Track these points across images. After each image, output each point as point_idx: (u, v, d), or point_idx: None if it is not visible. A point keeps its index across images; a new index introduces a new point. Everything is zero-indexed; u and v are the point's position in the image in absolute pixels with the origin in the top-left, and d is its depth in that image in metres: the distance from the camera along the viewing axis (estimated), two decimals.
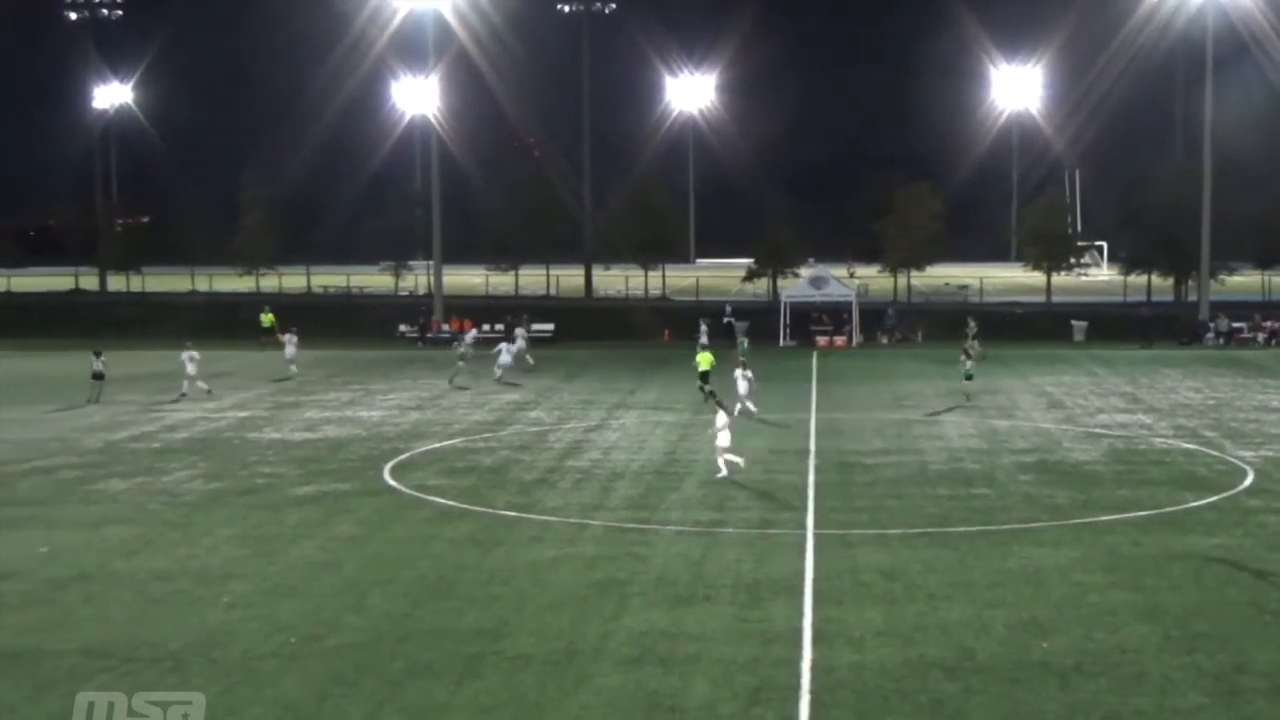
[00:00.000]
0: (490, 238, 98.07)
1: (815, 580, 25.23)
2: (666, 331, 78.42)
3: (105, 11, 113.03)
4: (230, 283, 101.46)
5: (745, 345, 60.86)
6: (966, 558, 26.99)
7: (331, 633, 22.34)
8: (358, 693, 19.60)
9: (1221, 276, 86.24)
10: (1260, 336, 75.93)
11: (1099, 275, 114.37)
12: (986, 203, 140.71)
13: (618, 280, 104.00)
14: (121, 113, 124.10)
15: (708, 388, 47.67)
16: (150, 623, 22.95)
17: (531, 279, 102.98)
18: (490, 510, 31.88)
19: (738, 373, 46.69)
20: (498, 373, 57.39)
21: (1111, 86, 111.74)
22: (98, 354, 51.71)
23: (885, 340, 77.81)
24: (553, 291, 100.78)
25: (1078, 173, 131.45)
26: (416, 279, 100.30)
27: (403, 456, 39.50)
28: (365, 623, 22.88)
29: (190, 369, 52.80)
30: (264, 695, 19.51)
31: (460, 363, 57.29)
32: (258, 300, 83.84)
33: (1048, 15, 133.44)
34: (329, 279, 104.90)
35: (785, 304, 78.70)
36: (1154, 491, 33.75)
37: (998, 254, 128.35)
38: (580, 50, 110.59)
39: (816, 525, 29.90)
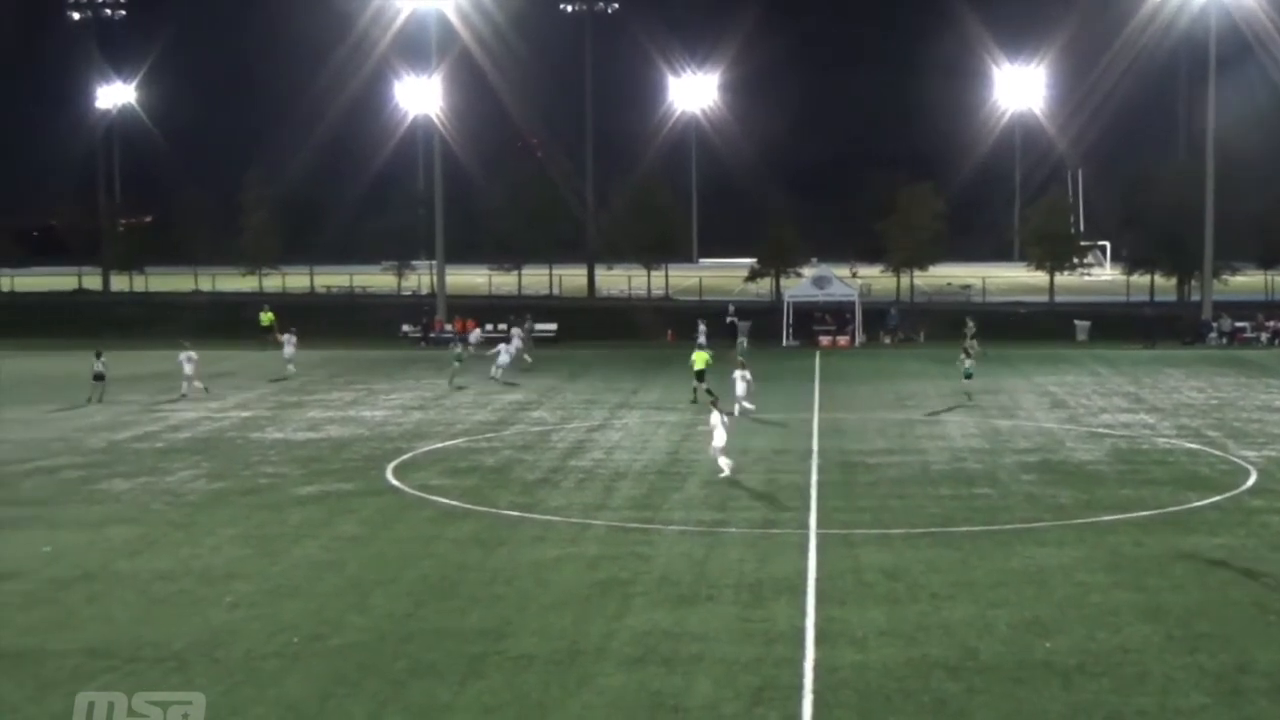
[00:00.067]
0: (493, 237, 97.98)
1: (818, 580, 25.24)
2: (669, 331, 78.39)
3: (108, 11, 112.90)
4: (233, 283, 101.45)
5: (744, 346, 60.91)
6: (969, 557, 26.99)
7: (334, 632, 22.36)
8: (360, 692, 19.61)
9: (1224, 276, 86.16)
10: (1263, 336, 75.90)
11: (1102, 275, 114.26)
12: (989, 202, 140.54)
13: (620, 280, 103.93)
14: (125, 112, 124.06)
15: (703, 386, 47.96)
16: (153, 622, 22.97)
17: (534, 279, 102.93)
18: (493, 510, 31.89)
19: (737, 373, 46.74)
20: (496, 373, 57.33)
21: (1114, 86, 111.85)
22: (98, 354, 51.76)
23: (888, 340, 77.78)
24: (555, 291, 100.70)
25: (1080, 172, 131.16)
26: (419, 279, 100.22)
27: (405, 456, 39.53)
28: (368, 622, 22.89)
29: (188, 369, 52.87)
30: (267, 695, 19.53)
31: (456, 363, 57.33)
32: (261, 300, 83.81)
33: (1051, 15, 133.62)
34: (332, 279, 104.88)
35: (788, 304, 78.72)
36: (1157, 491, 33.74)
37: (1000, 254, 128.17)
38: (583, 50, 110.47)
39: (819, 525, 29.91)
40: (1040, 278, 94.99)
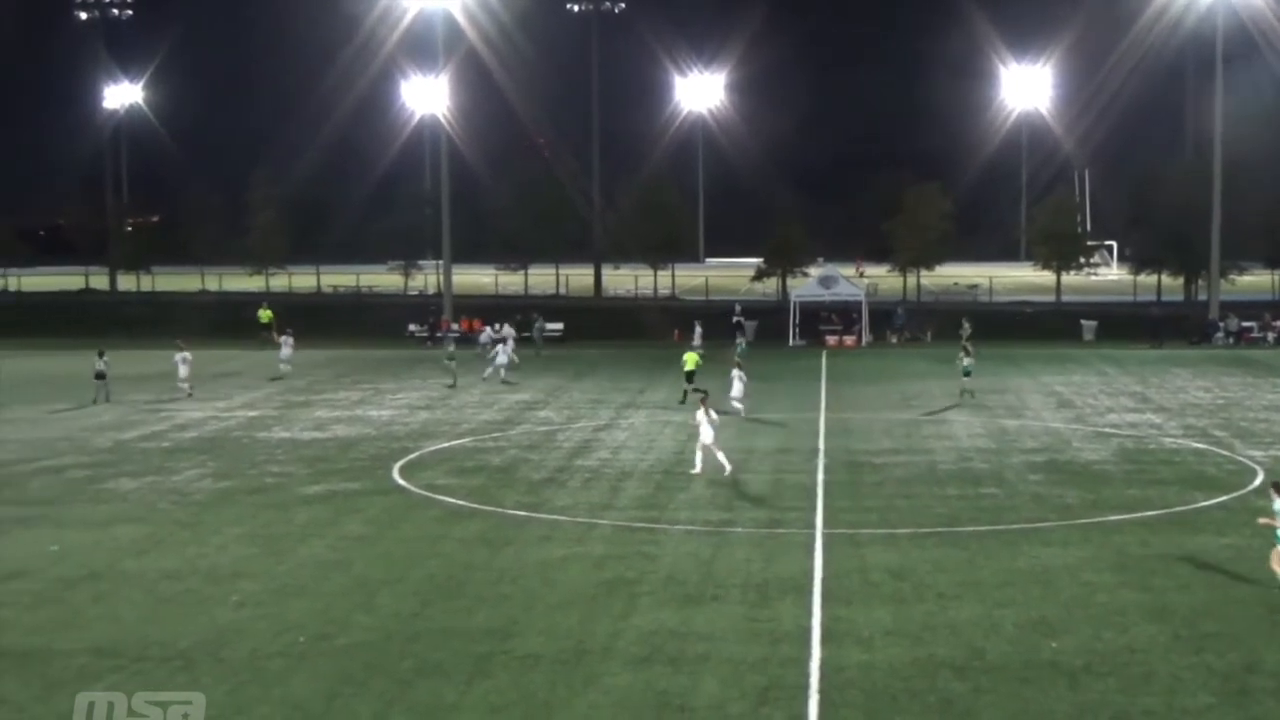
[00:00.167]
0: (500, 237, 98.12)
1: (824, 580, 25.23)
2: (676, 331, 78.34)
3: (115, 11, 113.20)
4: (240, 282, 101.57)
5: (743, 346, 60.84)
6: (976, 557, 26.98)
7: (340, 632, 22.37)
8: (367, 692, 19.62)
9: (1231, 276, 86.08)
10: (1270, 336, 75.74)
11: (1109, 275, 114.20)
12: (996, 202, 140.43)
13: (627, 280, 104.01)
14: (132, 112, 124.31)
15: (690, 386, 48.21)
16: (159, 622, 22.99)
17: (541, 278, 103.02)
18: (499, 509, 31.90)
19: (734, 373, 46.78)
20: (500, 373, 57.25)
21: (1121, 86, 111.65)
22: (101, 354, 51.80)
23: (894, 340, 77.76)
24: (562, 291, 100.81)
25: (1087, 172, 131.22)
26: (426, 278, 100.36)
27: (412, 456, 39.55)
28: (374, 622, 22.90)
29: (183, 370, 52.86)
30: (272, 694, 19.54)
31: (449, 362, 57.41)
32: (268, 300, 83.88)
33: (1057, 14, 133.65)
34: (338, 278, 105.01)
35: (794, 303, 78.66)
36: (1163, 491, 33.71)
37: (1007, 253, 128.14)
38: (590, 50, 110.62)
39: (825, 525, 29.90)
40: (1047, 277, 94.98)
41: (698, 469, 35.81)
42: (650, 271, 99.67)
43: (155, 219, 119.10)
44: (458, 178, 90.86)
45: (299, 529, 30.03)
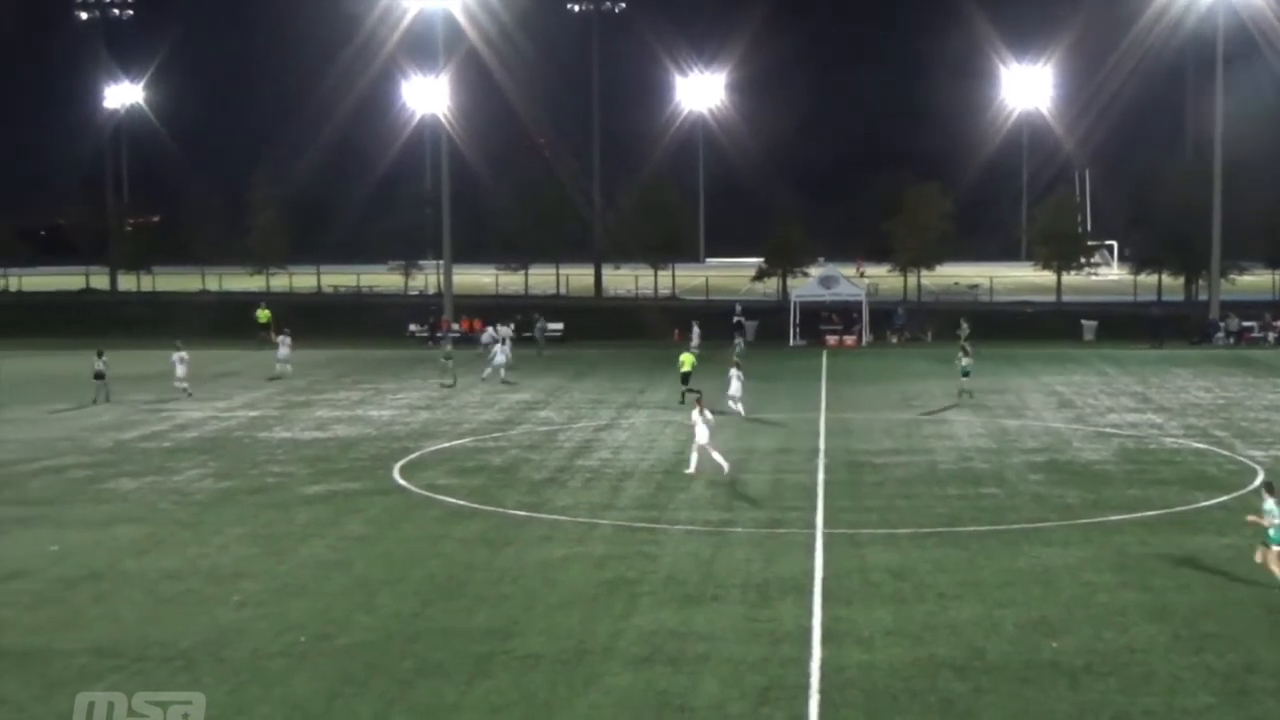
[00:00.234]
0: (500, 237, 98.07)
1: (825, 580, 25.25)
2: (676, 331, 78.33)
3: (116, 11, 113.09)
4: (241, 282, 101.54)
5: (741, 346, 60.85)
6: (976, 557, 26.99)
7: (341, 632, 22.38)
8: (367, 692, 19.63)
9: (1232, 276, 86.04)
10: (1271, 336, 75.72)
11: (1109, 274, 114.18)
12: (996, 202, 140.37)
13: (627, 280, 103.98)
14: (132, 112, 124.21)
15: (685, 388, 48.34)
16: (160, 622, 23.00)
17: (541, 278, 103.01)
18: (500, 509, 31.91)
19: (732, 372, 46.86)
20: (500, 373, 57.27)
21: (1122, 86, 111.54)
22: (99, 354, 51.79)
23: (895, 340, 77.76)
24: (562, 291, 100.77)
25: (1088, 172, 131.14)
26: (426, 278, 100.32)
27: (412, 456, 39.56)
28: (375, 622, 22.92)
29: (180, 370, 52.84)
30: (273, 694, 19.55)
31: (446, 361, 57.43)
32: (269, 300, 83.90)
33: (1058, 14, 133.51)
34: (339, 278, 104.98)
35: (795, 303, 78.66)
36: (1164, 491, 33.72)
37: (1008, 253, 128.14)
38: (590, 49, 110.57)
39: (826, 525, 29.91)
40: (1047, 277, 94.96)
41: (692, 469, 35.83)
42: (650, 271, 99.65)
43: (156, 219, 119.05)
44: (458, 178, 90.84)
45: (300, 529, 30.04)
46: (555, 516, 31.16)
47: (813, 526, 29.76)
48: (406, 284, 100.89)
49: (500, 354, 58.14)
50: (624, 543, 28.46)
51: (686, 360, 51.17)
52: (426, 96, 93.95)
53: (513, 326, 68.54)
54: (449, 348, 60.05)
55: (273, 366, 59.94)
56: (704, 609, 23.51)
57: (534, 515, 31.29)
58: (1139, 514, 31.01)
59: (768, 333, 77.66)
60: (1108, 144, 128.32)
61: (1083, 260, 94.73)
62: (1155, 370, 61.36)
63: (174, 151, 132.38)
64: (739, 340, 64.53)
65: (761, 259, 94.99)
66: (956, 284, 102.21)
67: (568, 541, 28.59)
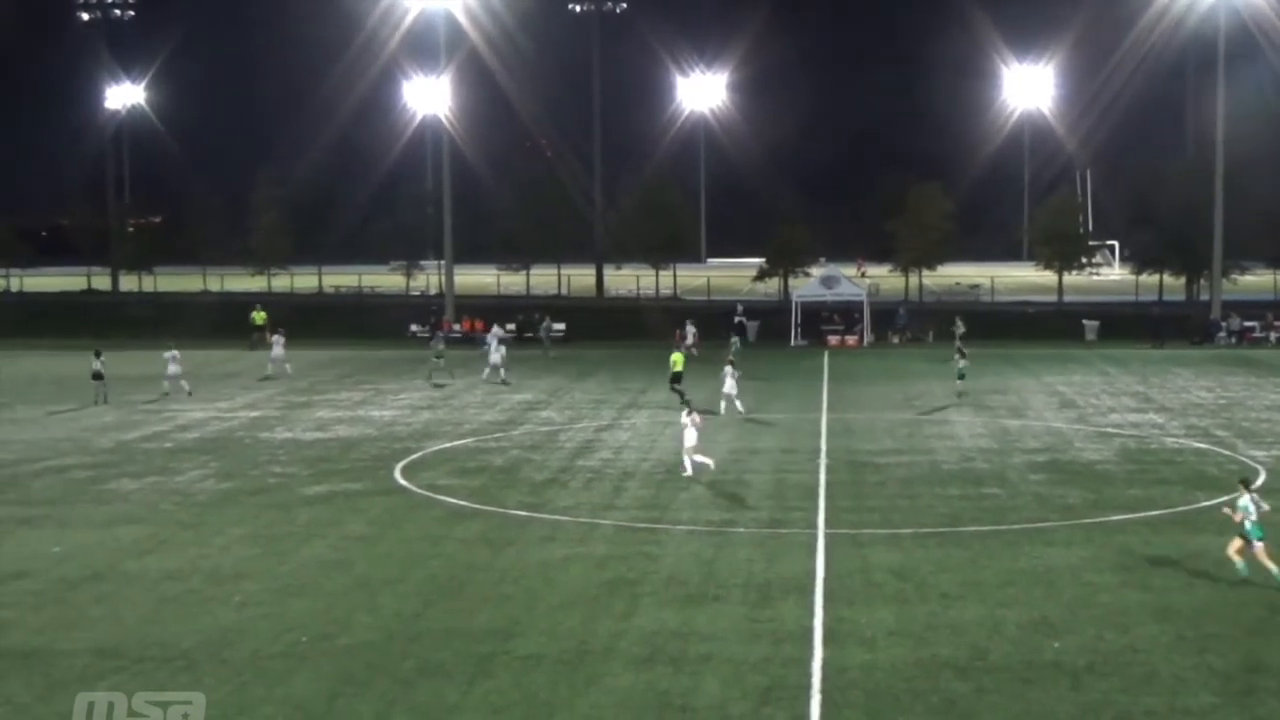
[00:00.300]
0: (501, 237, 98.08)
1: (826, 580, 25.24)
2: (677, 331, 78.29)
3: (118, 12, 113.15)
4: (242, 283, 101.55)
5: (737, 346, 60.82)
6: (978, 557, 26.98)
7: (342, 632, 22.38)
8: (369, 692, 19.63)
9: (1233, 276, 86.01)
10: (1272, 336, 75.68)
11: (1111, 275, 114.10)
12: (998, 202, 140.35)
13: (629, 280, 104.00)
14: (134, 113, 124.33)
15: (675, 387, 48.44)
16: (162, 622, 23.01)
17: (543, 279, 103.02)
18: (501, 510, 31.91)
19: (726, 370, 46.87)
20: (500, 373, 57.27)
21: (1123, 86, 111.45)
22: (97, 354, 51.76)
23: (896, 340, 77.73)
24: (564, 291, 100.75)
25: (1089, 172, 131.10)
26: (428, 279, 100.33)
27: (414, 456, 39.55)
28: (376, 622, 22.92)
29: (171, 369, 52.81)
30: (275, 694, 19.55)
31: (437, 360, 57.36)
32: (270, 300, 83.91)
33: (1059, 14, 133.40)
34: (341, 279, 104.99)
35: (797, 303, 78.65)
36: (1166, 491, 33.71)
37: (1009, 253, 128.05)
38: (591, 50, 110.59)
39: (828, 525, 29.90)
40: (1049, 277, 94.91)
41: (689, 472, 35.76)
42: (652, 272, 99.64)
43: (157, 219, 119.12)
44: (459, 178, 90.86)
45: (301, 529, 30.05)
46: (556, 517, 31.15)
47: (814, 527, 29.76)
48: (408, 284, 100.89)
49: (494, 353, 58.15)
50: (625, 543, 28.45)
51: (677, 360, 51.07)
52: (428, 97, 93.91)
53: (513, 327, 68.38)
54: (440, 347, 59.98)
55: (268, 368, 59.88)
56: (705, 609, 23.50)
57: (535, 515, 31.28)
58: (1141, 514, 31.00)
59: (769, 333, 77.67)
60: (1109, 144, 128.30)
61: (1084, 260, 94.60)
62: (1157, 370, 61.34)
63: (176, 152, 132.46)
64: (735, 340, 64.51)
65: (763, 259, 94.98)
66: (958, 284, 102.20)
67: (569, 542, 28.59)
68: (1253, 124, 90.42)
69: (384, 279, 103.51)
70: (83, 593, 24.89)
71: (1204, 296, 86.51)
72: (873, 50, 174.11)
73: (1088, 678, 20.04)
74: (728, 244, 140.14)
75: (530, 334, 72.69)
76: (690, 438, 35.83)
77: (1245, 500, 24.87)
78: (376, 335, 78.42)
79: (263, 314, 75.53)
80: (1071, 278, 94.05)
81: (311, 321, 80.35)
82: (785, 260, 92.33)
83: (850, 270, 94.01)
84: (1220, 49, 79.97)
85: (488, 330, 69.34)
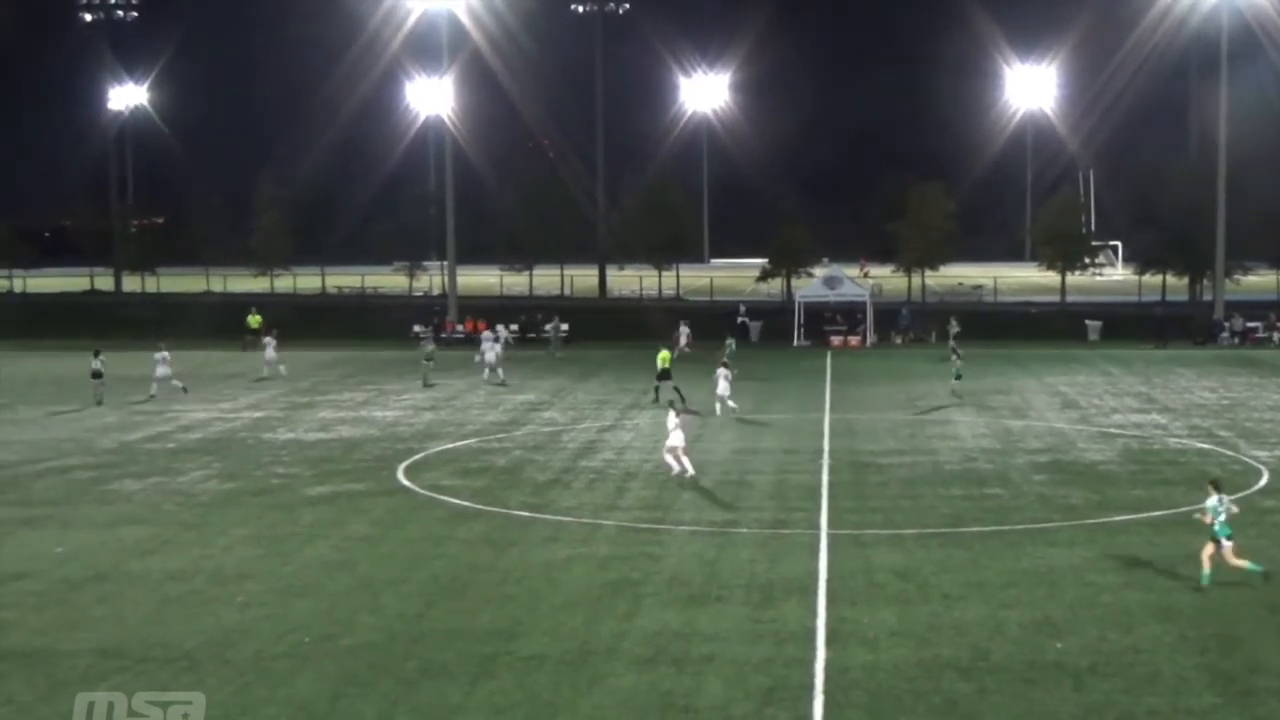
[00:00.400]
0: (504, 238, 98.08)
1: (829, 580, 25.24)
2: (674, 333, 78.23)
3: (120, 13, 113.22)
4: (245, 283, 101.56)
5: (733, 347, 60.77)
6: (980, 558, 26.98)
7: (345, 632, 22.39)
8: (371, 693, 19.64)
9: (1236, 276, 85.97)
10: (1276, 336, 75.61)
11: (1113, 275, 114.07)
12: (1001, 202, 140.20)
13: (632, 280, 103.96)
14: (136, 114, 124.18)
15: (666, 384, 48.54)
16: (164, 623, 23.02)
17: (545, 279, 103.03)
18: (504, 510, 31.92)
19: (720, 371, 46.89)
20: (499, 373, 57.31)
21: (1126, 85, 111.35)
22: (97, 353, 51.76)
23: (899, 340, 77.70)
24: (567, 292, 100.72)
25: (1092, 172, 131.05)
26: (431, 279, 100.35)
27: (417, 457, 39.56)
28: (379, 622, 22.92)
29: (161, 370, 52.74)
30: (277, 695, 19.56)
31: (428, 361, 57.46)
32: (273, 301, 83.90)
33: (1062, 14, 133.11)
34: (343, 279, 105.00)
35: (799, 304, 78.64)
36: (1169, 492, 33.69)
37: (1012, 254, 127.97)
38: (594, 50, 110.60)
39: (830, 525, 29.90)
40: (1052, 278, 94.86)
41: (691, 471, 35.72)
42: (655, 272, 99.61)
43: (160, 220, 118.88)
44: (462, 178, 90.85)
45: (304, 530, 30.06)
46: (559, 517, 31.16)
47: (817, 527, 29.76)
48: (411, 285, 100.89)
49: (491, 352, 58.16)
50: (628, 543, 28.45)
51: (664, 356, 51.02)
52: (430, 97, 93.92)
53: (516, 328, 68.32)
54: (430, 348, 59.95)
55: (263, 369, 59.91)
56: (708, 610, 23.50)
57: (538, 516, 31.29)
58: (1143, 514, 31.00)
59: (772, 333, 77.69)
60: (1112, 144, 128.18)
61: (1087, 261, 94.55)
62: (1160, 371, 61.32)
63: (178, 153, 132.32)
64: (730, 341, 64.50)
65: (766, 259, 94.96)
66: (960, 284, 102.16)
67: (572, 542, 28.59)
68: (1255, 124, 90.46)
69: (387, 280, 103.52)
70: (85, 593, 24.90)
71: (1207, 297, 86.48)
72: (874, 50, 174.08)
73: (1090, 678, 20.04)
74: (730, 244, 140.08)
75: (533, 334, 72.59)
76: (677, 438, 35.76)
77: (1213, 501, 24.98)
78: (379, 336, 78.42)
79: (258, 317, 75.46)
80: (1074, 278, 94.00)
81: (314, 322, 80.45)
82: (788, 260, 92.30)
83: (853, 271, 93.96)
84: (1223, 49, 79.95)
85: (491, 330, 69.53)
